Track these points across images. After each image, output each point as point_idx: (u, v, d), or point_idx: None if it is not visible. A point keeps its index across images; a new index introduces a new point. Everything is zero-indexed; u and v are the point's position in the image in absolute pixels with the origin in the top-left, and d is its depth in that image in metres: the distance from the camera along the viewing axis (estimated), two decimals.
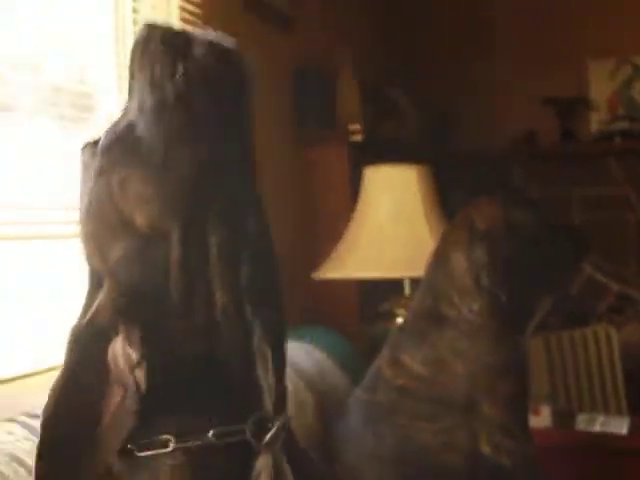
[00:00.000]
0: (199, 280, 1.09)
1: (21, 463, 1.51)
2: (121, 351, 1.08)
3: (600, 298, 4.30)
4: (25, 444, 1.55)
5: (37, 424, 1.19)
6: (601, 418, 3.18)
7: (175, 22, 2.75)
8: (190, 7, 2.83)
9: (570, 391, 3.95)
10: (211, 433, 1.08)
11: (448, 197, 3.26)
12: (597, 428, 3.10)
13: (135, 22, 2.59)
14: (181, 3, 2.78)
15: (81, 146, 1.17)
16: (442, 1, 4.99)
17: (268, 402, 1.12)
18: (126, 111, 1.14)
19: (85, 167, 1.15)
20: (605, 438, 3.05)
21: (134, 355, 1.06)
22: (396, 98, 3.94)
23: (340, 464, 2.33)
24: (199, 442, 1.08)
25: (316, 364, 2.64)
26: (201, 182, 1.08)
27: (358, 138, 3.55)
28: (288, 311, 3.54)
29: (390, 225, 3.04)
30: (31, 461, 1.47)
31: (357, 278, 3.21)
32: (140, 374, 1.06)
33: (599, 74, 4.73)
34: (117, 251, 1.09)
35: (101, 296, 1.10)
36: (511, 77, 4.84)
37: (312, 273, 3.17)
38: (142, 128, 1.09)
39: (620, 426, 3.09)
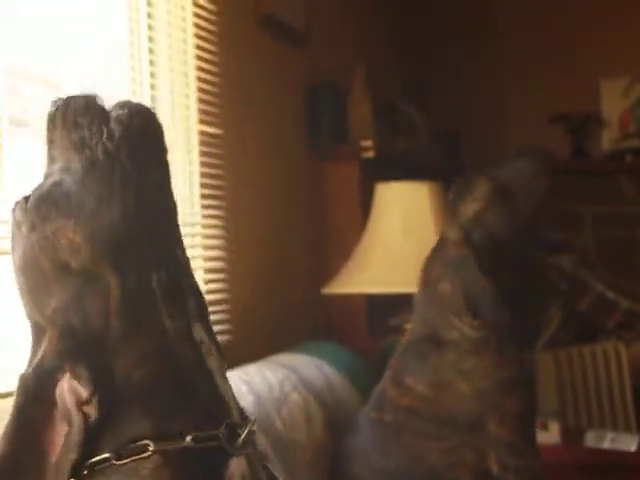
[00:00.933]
0: (144, 314, 1.16)
1: None
2: (68, 389, 1.13)
3: (609, 315, 4.30)
4: None
5: None
6: (610, 435, 3.18)
7: (190, 39, 2.79)
8: (204, 24, 2.86)
9: (579, 407, 3.95)
10: (189, 438, 1.13)
11: None
12: (606, 445, 3.10)
13: (150, 39, 2.62)
14: (195, 20, 2.81)
15: (12, 206, 1.25)
16: (455, 18, 5.01)
17: (234, 411, 1.20)
18: (48, 174, 1.23)
19: (17, 225, 1.23)
20: (614, 455, 3.04)
21: (84, 392, 1.12)
22: (408, 114, 3.97)
23: (347, 477, 2.34)
24: (178, 446, 1.12)
25: (325, 379, 2.66)
26: (130, 227, 1.17)
27: (370, 154, 3.57)
28: (298, 326, 3.56)
29: (401, 241, 3.06)
30: None
31: (367, 293, 3.23)
32: (90, 409, 1.12)
33: (611, 92, 4.75)
34: (54, 301, 1.16)
35: (44, 343, 1.15)
36: (523, 94, 4.86)
37: (323, 288, 3.20)
38: (70, 185, 1.18)
39: (629, 443, 3.09)
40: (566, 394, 3.93)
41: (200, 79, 2.83)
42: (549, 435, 3.05)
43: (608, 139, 4.77)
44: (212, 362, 1.20)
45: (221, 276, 2.89)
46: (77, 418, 1.12)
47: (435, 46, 4.97)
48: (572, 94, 4.75)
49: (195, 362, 1.18)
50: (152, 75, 2.63)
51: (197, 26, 2.82)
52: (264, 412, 2.24)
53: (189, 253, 2.73)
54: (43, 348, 1.15)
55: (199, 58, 2.83)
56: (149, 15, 2.62)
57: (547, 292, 2.63)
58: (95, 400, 1.11)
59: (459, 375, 2.27)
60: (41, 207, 1.19)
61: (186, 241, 2.77)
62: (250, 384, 2.32)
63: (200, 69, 2.83)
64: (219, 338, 1.25)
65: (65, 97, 1.25)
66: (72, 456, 1.12)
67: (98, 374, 1.12)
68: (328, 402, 2.55)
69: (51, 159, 1.24)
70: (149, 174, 1.22)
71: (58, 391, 1.14)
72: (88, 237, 1.16)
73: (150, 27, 2.63)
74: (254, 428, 1.22)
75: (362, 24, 4.28)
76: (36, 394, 1.14)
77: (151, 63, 2.63)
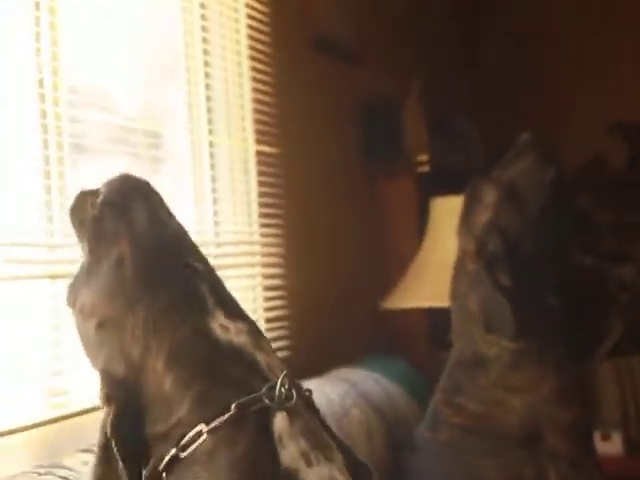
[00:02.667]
0: (158, 331, 1.31)
1: None
2: None
3: None
4: None
5: None
6: None
7: (245, 61, 2.84)
8: (259, 46, 2.90)
9: None
10: (233, 406, 1.22)
11: None
12: None
13: (206, 63, 2.66)
14: (250, 42, 2.85)
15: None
16: (508, 32, 5.01)
17: (278, 374, 1.30)
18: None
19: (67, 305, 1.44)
20: None
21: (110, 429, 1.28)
22: (463, 128, 3.97)
23: None
24: (225, 418, 1.22)
25: (385, 393, 2.67)
26: (129, 270, 1.34)
27: (426, 169, 3.58)
28: (357, 341, 3.57)
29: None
30: None
31: (425, 307, 3.24)
32: (116, 443, 1.27)
33: None
34: (99, 362, 1.35)
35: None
36: (580, 104, 4.84)
37: (381, 303, 3.21)
38: (85, 262, 1.42)
39: None
40: (629, 404, 3.89)
41: (256, 100, 2.87)
42: (611, 446, 3.04)
43: None
44: (242, 339, 1.31)
45: (280, 293, 2.93)
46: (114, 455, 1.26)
47: (490, 60, 4.98)
48: (629, 102, 4.72)
49: (219, 348, 1.29)
50: (208, 99, 2.68)
51: (251, 48, 2.86)
52: None
53: (249, 271, 2.79)
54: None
55: (254, 79, 2.87)
56: (204, 39, 2.66)
57: (608, 303, 2.62)
58: (112, 442, 1.27)
59: (507, 391, 2.24)
60: (71, 289, 1.41)
61: (245, 260, 2.82)
62: None
63: (256, 90, 2.87)
64: (279, 354, 1.36)
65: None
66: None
67: (130, 407, 1.29)
68: (389, 417, 2.56)
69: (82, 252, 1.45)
70: (138, 220, 1.38)
71: None
72: (97, 294, 1.35)
73: (205, 51, 2.67)
74: (297, 384, 1.32)
75: (416, 40, 4.30)
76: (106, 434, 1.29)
77: (207, 87, 2.68)
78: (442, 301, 3.04)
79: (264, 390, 1.24)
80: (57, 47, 2.05)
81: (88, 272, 1.39)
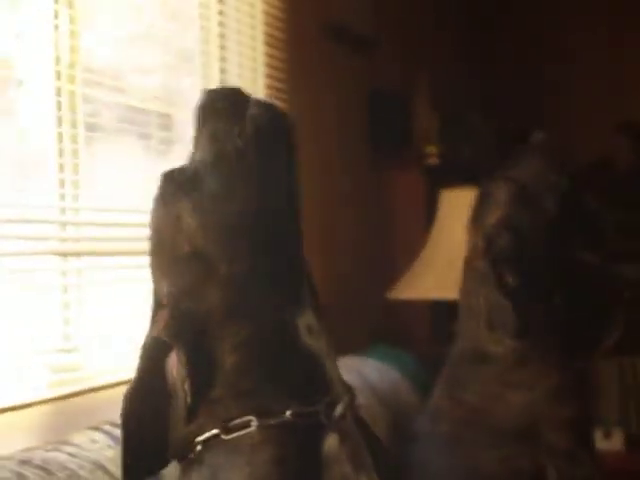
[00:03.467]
0: (247, 301, 1.24)
1: (105, 471, 1.56)
2: (175, 364, 1.24)
3: None
4: (108, 452, 1.60)
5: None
6: None
7: (259, 47, 2.83)
8: (274, 32, 2.90)
9: None
10: (289, 413, 1.20)
11: None
12: None
13: (222, 47, 2.66)
14: (265, 28, 2.85)
15: (161, 174, 1.33)
16: (522, 28, 5.01)
17: (339, 388, 1.27)
18: (192, 159, 1.32)
19: (159, 196, 1.32)
20: None
21: (183, 372, 1.22)
22: (473, 121, 3.97)
23: None
24: (278, 421, 1.20)
25: (388, 382, 2.67)
26: (247, 219, 1.26)
27: (434, 161, 3.58)
28: (362, 330, 3.55)
29: (464, 247, 3.06)
30: (114, 468, 1.54)
31: (431, 299, 3.24)
32: (187, 388, 1.21)
33: None
34: (168, 283, 1.27)
35: (160, 319, 1.27)
36: (589, 103, 4.84)
37: (387, 293, 3.21)
38: (201, 174, 1.27)
39: None
40: (630, 402, 3.90)
41: (268, 86, 2.87)
42: (612, 443, 3.04)
43: None
44: (320, 345, 1.27)
45: None
46: (182, 394, 1.22)
47: (502, 54, 4.97)
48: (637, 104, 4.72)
49: (294, 347, 1.25)
50: (222, 83, 2.68)
51: (266, 33, 2.86)
52: None
53: None
54: (159, 324, 1.26)
55: (268, 65, 2.87)
56: (220, 23, 2.66)
57: (611, 301, 2.61)
58: (188, 382, 1.20)
59: (507, 387, 2.24)
60: (176, 188, 1.28)
61: None
62: None
63: (269, 76, 2.87)
64: None
65: (211, 89, 1.35)
66: (181, 427, 1.23)
67: (196, 358, 1.21)
68: (392, 406, 2.56)
69: (196, 144, 1.32)
70: (274, 173, 1.29)
71: (169, 363, 1.25)
72: (203, 223, 1.24)
73: (221, 35, 2.67)
74: (355, 403, 1.28)
75: (427, 29, 4.29)
76: (154, 359, 1.25)
77: (222, 71, 2.67)
78: (447, 293, 3.05)
79: (323, 406, 1.22)
80: (75, 25, 2.04)
81: (197, 189, 1.26)
